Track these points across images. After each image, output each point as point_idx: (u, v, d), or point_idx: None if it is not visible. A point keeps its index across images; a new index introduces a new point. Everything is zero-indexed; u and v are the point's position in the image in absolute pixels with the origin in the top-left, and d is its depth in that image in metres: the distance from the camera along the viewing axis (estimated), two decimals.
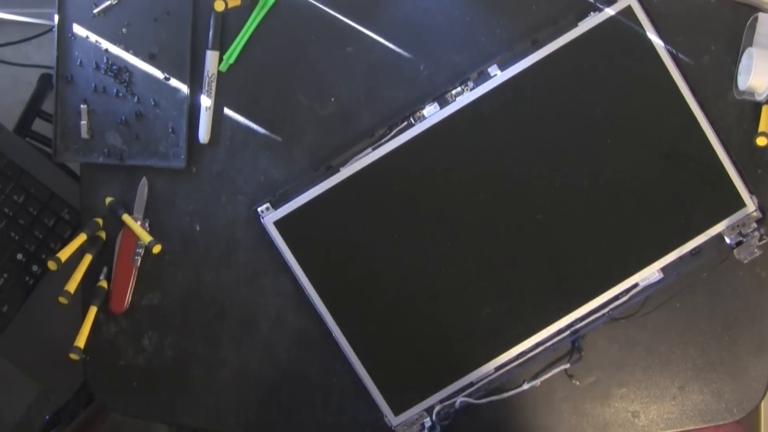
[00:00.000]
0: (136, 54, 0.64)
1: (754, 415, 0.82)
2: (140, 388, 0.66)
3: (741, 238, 0.61)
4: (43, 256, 0.72)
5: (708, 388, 0.62)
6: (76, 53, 0.65)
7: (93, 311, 0.65)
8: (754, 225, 0.61)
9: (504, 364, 0.62)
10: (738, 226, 0.61)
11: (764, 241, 0.60)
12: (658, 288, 0.61)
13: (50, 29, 0.95)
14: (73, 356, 0.63)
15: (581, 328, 0.62)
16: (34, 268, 0.72)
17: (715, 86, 0.62)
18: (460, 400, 0.62)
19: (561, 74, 0.61)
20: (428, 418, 0.62)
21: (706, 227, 0.61)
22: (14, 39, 1.03)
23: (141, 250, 0.65)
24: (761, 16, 0.60)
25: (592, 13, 0.60)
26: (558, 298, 0.62)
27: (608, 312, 0.61)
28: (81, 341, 0.64)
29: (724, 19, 0.61)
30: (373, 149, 0.61)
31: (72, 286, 0.63)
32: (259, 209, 0.62)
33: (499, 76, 0.61)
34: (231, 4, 0.61)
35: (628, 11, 0.60)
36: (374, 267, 0.62)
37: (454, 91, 0.61)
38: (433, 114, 0.61)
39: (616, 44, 0.61)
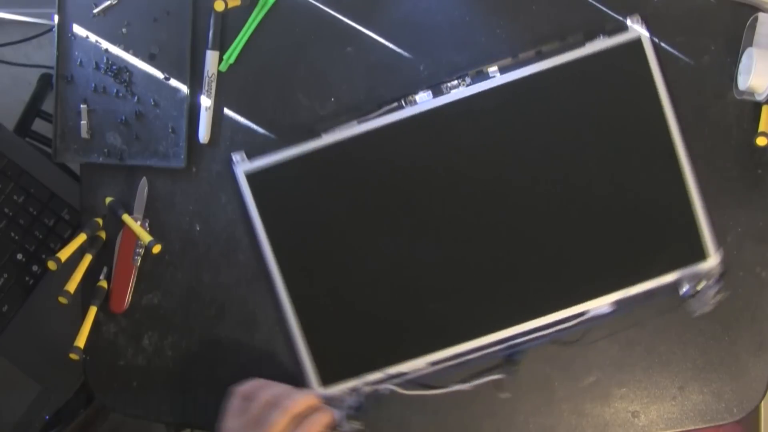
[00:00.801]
0: (136, 54, 0.64)
1: (754, 415, 0.82)
2: (140, 388, 0.66)
3: (697, 290, 0.60)
4: (43, 256, 0.72)
5: (708, 388, 0.62)
6: (76, 53, 0.65)
7: (93, 311, 0.65)
8: (713, 280, 0.60)
9: (438, 361, 0.62)
10: (697, 277, 0.61)
11: (718, 297, 0.60)
12: (605, 320, 0.61)
13: (50, 29, 0.95)
14: (73, 356, 0.63)
15: (521, 343, 0.61)
16: (34, 268, 0.72)
17: (715, 86, 0.62)
18: (386, 386, 0.61)
19: (558, 90, 0.61)
20: (353, 398, 0.62)
21: (667, 271, 0.60)
22: (14, 39, 1.03)
23: (141, 250, 0.65)
24: (761, 16, 0.60)
25: (601, 36, 0.60)
26: (506, 309, 0.61)
27: (552, 333, 0.61)
28: (81, 341, 0.64)
29: (724, 19, 0.61)
30: (359, 123, 0.61)
31: (72, 286, 0.63)
32: (233, 156, 0.62)
33: (497, 78, 0.61)
34: (231, 4, 0.61)
35: (636, 44, 0.60)
36: (336, 239, 0.62)
37: (450, 84, 0.61)
38: (425, 101, 0.61)
39: (619, 72, 0.60)
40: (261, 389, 0.58)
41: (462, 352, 0.61)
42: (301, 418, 0.55)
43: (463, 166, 0.62)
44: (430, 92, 0.61)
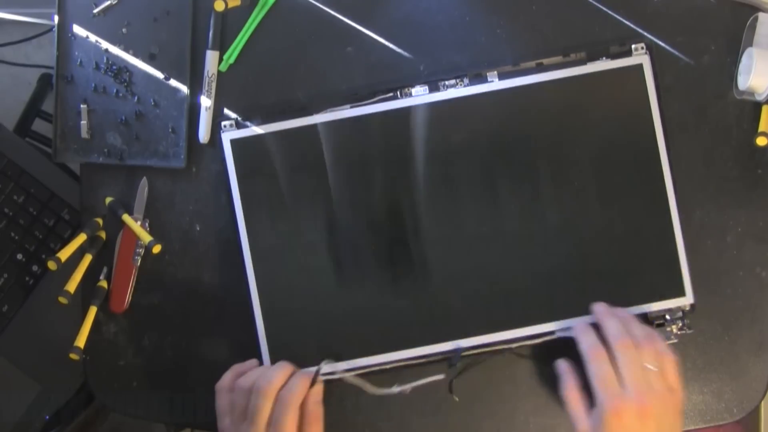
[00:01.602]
0: (136, 54, 0.64)
1: (754, 415, 0.82)
2: (140, 388, 0.66)
3: (663, 321, 0.60)
4: (43, 256, 0.72)
5: (708, 388, 0.62)
6: (76, 53, 0.65)
7: (93, 311, 0.65)
8: (680, 313, 0.60)
9: (396, 360, 0.61)
10: (666, 310, 0.61)
11: (683, 332, 0.60)
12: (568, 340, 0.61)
13: (50, 29, 0.95)
14: (73, 356, 0.63)
15: (481, 353, 0.61)
16: (34, 268, 0.72)
17: (715, 86, 0.62)
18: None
19: (555, 104, 0.61)
20: None
21: (639, 302, 0.60)
22: (14, 39, 1.03)
23: (141, 250, 0.65)
24: (761, 16, 0.60)
25: (603, 58, 0.60)
26: (474, 317, 0.61)
27: (514, 347, 0.61)
28: (81, 341, 0.64)
29: (724, 19, 0.62)
30: (351, 107, 0.61)
31: (72, 286, 0.63)
32: (222, 123, 0.62)
33: (495, 83, 0.61)
34: (231, 4, 0.61)
35: (638, 69, 0.60)
36: (311, 221, 0.62)
37: (447, 82, 0.61)
38: (420, 95, 0.61)
39: (617, 95, 0.60)
40: (239, 378, 0.58)
41: (420, 355, 0.61)
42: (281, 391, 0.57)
43: (449, 165, 0.61)
44: (426, 87, 0.61)
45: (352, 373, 0.61)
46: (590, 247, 0.61)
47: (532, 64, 0.61)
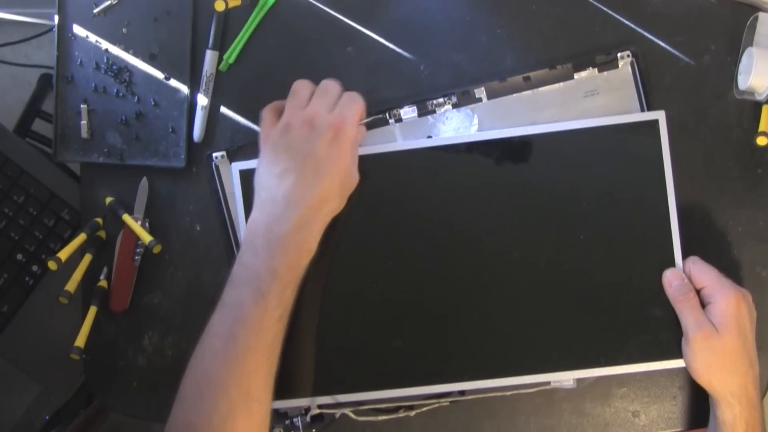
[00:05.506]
0: (136, 54, 0.64)
1: None
2: (140, 388, 0.66)
3: None
4: (43, 256, 0.72)
5: None
6: (76, 53, 0.65)
7: (93, 311, 0.65)
8: None
9: (393, 398, 0.60)
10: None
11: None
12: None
13: (50, 29, 0.95)
14: (74, 356, 0.63)
15: (474, 392, 0.61)
16: (34, 268, 0.73)
17: (715, 86, 0.62)
18: (341, 412, 0.61)
19: (564, 154, 0.59)
20: (298, 417, 0.61)
21: (638, 361, 0.59)
22: (14, 39, 1.03)
23: (141, 250, 0.65)
24: (761, 15, 0.60)
25: (590, 68, 0.60)
26: (468, 363, 0.59)
27: (507, 394, 0.61)
28: (81, 341, 0.64)
29: (724, 19, 0.62)
30: None
31: (72, 286, 0.63)
32: (214, 155, 0.63)
33: (500, 132, 0.59)
34: (231, 4, 0.61)
35: (653, 123, 0.59)
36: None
37: (435, 101, 0.61)
38: (409, 116, 0.61)
39: (628, 146, 0.59)
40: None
41: (414, 395, 0.60)
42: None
43: (447, 207, 0.60)
44: (415, 108, 0.61)
45: (349, 408, 0.61)
46: (594, 301, 0.59)
47: (519, 78, 0.60)
